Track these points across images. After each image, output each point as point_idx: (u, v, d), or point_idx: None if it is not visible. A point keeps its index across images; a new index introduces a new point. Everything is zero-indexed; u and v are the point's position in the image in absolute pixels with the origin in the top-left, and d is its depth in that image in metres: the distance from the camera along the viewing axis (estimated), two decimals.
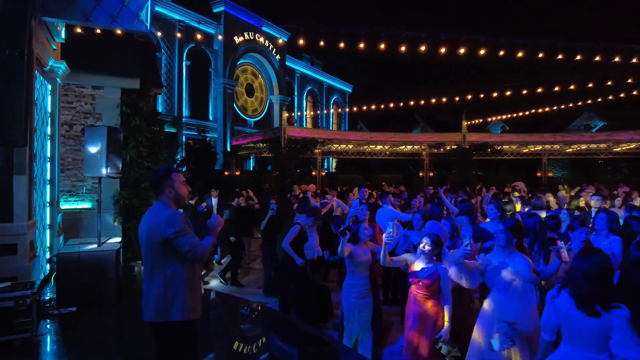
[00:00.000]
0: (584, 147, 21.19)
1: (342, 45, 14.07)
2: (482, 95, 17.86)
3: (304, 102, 38.39)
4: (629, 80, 14.73)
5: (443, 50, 13.70)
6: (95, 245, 5.48)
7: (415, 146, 22.10)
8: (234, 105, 29.53)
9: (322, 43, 13.71)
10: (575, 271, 2.26)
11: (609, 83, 15.29)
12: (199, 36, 20.65)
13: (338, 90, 42.90)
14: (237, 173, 21.66)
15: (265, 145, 18.53)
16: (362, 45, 13.85)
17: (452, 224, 4.77)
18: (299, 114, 36.39)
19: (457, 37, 13.58)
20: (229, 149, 25.55)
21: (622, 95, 17.95)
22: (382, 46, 14.06)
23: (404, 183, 20.51)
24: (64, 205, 7.87)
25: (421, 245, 3.75)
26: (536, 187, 15.37)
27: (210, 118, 27.97)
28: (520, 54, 12.96)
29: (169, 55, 24.71)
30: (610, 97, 18.69)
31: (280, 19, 36.19)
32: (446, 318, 3.62)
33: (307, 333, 3.90)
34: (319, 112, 39.20)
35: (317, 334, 4.15)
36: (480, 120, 28.35)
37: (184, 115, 25.62)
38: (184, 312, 2.60)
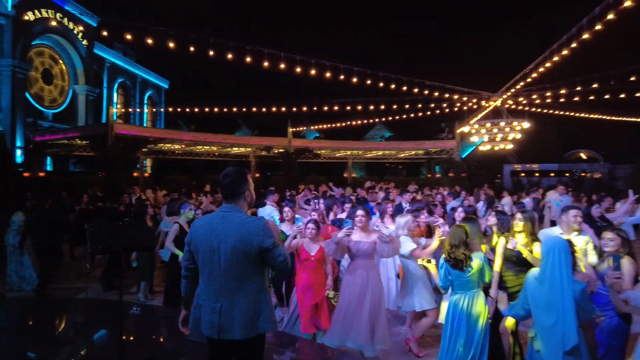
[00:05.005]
0: (380, 153, 26.10)
1: (167, 44, 13.79)
2: (305, 108, 20.32)
3: (114, 95, 34.69)
4: (407, 106, 20.07)
5: (266, 64, 14.97)
6: None
7: (247, 148, 23.14)
8: (27, 93, 24.84)
9: (128, 36, 13.17)
10: None
11: (395, 106, 20.27)
12: None
13: (153, 85, 40.16)
14: (42, 174, 18.54)
15: (85, 143, 16.54)
16: (192, 48, 13.81)
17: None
18: (112, 109, 32.64)
19: (278, 53, 15.04)
20: (19, 144, 21.40)
21: (404, 116, 23.67)
22: (212, 53, 14.34)
23: None
24: None
25: (308, 231, 4.88)
26: (344, 185, 18.36)
27: None
28: (342, 77, 15.64)
29: None
30: (397, 117, 24.51)
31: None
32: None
33: None
34: (131, 106, 35.97)
35: None
36: (304, 128, 31.48)
37: None
38: (272, 322, 2.51)
